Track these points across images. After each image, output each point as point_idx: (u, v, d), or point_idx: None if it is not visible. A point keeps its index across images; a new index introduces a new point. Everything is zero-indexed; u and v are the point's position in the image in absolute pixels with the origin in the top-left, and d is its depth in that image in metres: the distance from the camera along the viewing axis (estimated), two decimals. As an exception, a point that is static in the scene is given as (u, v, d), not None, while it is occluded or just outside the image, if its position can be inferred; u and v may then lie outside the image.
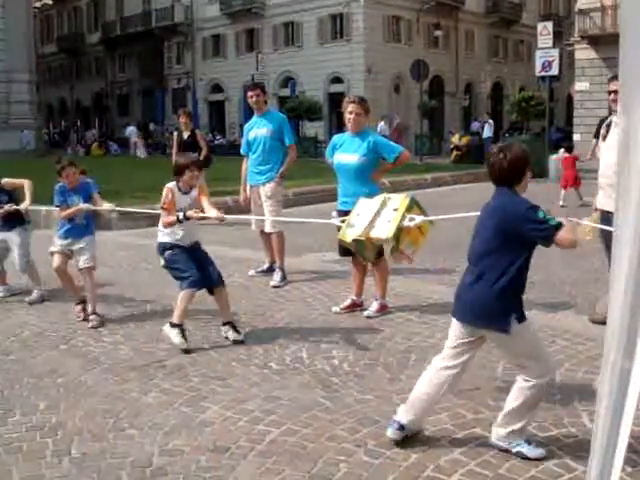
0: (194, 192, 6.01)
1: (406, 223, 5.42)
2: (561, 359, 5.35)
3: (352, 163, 6.70)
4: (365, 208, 5.70)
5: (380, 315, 6.70)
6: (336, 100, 46.39)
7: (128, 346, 5.92)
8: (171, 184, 5.96)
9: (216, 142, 42.73)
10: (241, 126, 44.00)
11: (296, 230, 10.32)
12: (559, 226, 3.52)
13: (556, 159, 22.92)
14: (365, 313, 6.75)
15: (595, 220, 6.30)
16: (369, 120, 7.06)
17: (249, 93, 8.53)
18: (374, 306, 6.80)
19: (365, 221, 5.56)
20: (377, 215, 5.59)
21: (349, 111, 6.74)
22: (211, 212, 5.90)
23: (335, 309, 6.89)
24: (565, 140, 31.40)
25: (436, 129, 45.09)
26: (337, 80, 46.50)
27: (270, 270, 8.48)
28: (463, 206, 15.13)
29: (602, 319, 5.42)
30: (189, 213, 5.77)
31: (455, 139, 31.48)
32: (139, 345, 5.94)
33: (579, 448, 3.80)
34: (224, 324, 6.09)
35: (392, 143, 7.24)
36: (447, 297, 7.25)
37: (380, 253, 6.65)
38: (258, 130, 8.44)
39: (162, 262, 6.02)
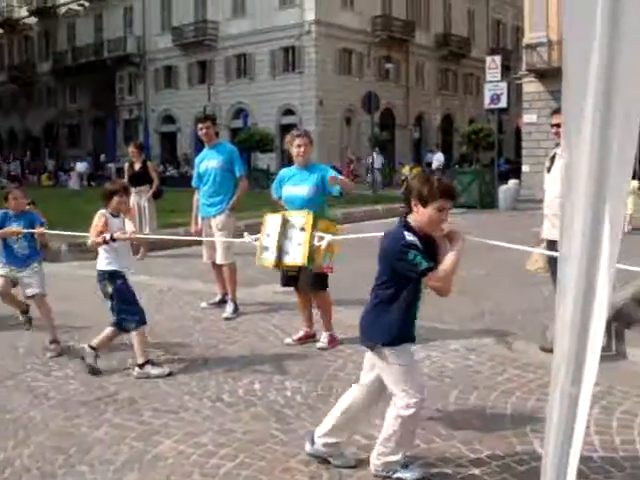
0: (122, 217, 6.14)
1: (317, 243, 5.54)
2: (512, 387, 5.41)
3: (302, 195, 6.69)
4: (272, 226, 5.80)
5: (332, 347, 6.70)
6: (288, 132, 46.60)
7: (78, 380, 5.83)
8: (103, 210, 6.04)
9: (167, 173, 42.55)
10: (186, 158, 43.71)
11: (248, 262, 10.29)
12: (427, 270, 3.53)
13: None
14: (317, 345, 6.76)
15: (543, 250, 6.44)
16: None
17: (199, 125, 8.57)
18: (324, 338, 6.81)
19: (274, 244, 5.66)
20: (284, 237, 5.70)
21: (297, 144, 6.79)
22: (128, 226, 6.05)
23: (287, 340, 6.89)
24: (514, 171, 32.01)
25: (387, 161, 45.48)
26: (289, 112, 46.82)
27: (222, 302, 8.45)
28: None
29: (552, 347, 5.51)
30: (116, 235, 5.86)
31: (405, 170, 31.80)
32: (89, 379, 5.84)
33: (531, 475, 3.82)
34: (142, 365, 5.95)
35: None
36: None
37: (322, 286, 6.68)
38: (209, 162, 8.46)
39: (109, 290, 5.96)
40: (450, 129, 54.85)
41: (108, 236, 5.82)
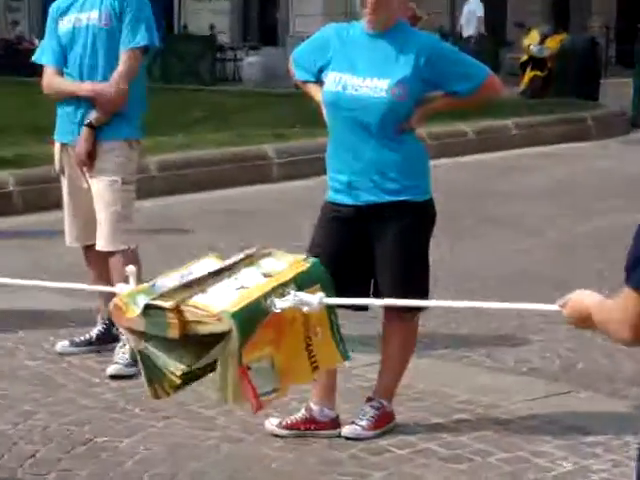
0: None
1: (279, 305, 4.24)
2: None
3: (377, 99, 5.33)
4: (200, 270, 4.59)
5: (373, 433, 5.52)
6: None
7: None
8: None
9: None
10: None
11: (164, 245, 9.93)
12: None
13: None
14: (347, 432, 5.54)
15: None
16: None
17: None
18: (369, 414, 5.58)
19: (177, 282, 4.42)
20: (216, 277, 4.54)
21: None
22: None
23: (270, 426, 5.59)
24: None
25: (492, 20, 39.58)
26: None
27: (104, 336, 6.97)
28: (539, 197, 12.68)
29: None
30: None
31: (530, 40, 25.34)
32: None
33: None
34: None
35: (468, 58, 5.98)
36: (499, 396, 6.30)
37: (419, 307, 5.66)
38: (81, 14, 6.91)
39: None
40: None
41: None
